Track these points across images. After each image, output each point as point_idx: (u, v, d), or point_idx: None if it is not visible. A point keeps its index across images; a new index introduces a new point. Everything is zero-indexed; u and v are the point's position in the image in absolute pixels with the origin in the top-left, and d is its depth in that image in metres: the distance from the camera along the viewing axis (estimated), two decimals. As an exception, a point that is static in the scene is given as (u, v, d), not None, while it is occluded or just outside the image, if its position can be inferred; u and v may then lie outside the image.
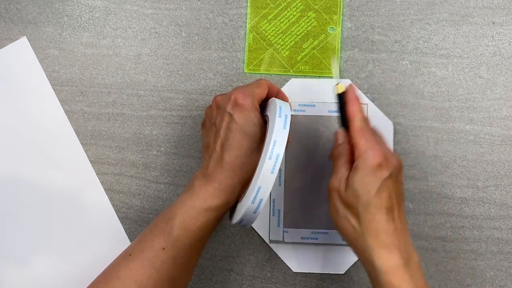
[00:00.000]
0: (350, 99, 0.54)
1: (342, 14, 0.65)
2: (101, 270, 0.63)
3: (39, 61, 0.66)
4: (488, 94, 0.64)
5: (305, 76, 0.65)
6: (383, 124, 0.63)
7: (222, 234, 0.65)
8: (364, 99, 0.64)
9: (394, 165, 0.51)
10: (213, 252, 0.65)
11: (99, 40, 0.66)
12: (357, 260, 0.63)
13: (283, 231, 0.63)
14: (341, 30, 0.65)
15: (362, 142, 0.52)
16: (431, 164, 0.64)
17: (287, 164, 0.63)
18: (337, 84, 0.55)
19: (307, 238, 0.63)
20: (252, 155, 0.54)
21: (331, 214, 0.54)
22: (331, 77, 0.64)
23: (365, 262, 0.51)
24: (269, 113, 0.56)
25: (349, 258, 0.63)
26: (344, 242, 0.63)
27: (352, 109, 0.54)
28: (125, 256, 0.55)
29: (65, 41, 0.66)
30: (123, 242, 0.65)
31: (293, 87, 0.64)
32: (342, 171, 0.53)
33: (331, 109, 0.63)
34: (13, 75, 0.66)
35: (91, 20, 0.66)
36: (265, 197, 0.52)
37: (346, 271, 0.63)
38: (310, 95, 0.64)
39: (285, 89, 0.64)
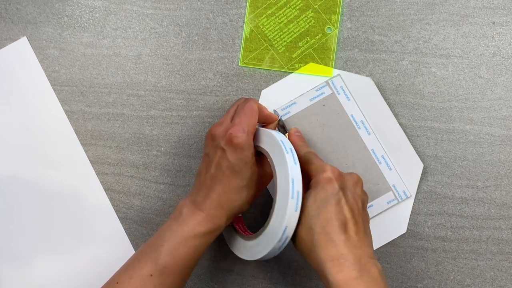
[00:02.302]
0: (293, 141, 0.59)
1: (341, 15, 0.65)
2: (101, 270, 0.63)
3: (39, 61, 0.66)
4: (488, 94, 0.64)
5: (299, 74, 0.65)
6: (364, 83, 0.63)
7: (223, 235, 0.65)
8: (334, 72, 0.64)
9: (346, 179, 0.53)
10: (213, 252, 0.65)
11: (99, 40, 0.66)
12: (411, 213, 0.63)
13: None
14: (339, 31, 0.65)
15: (311, 167, 0.55)
16: (431, 164, 0.64)
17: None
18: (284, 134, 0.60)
19: None
20: (241, 192, 0.56)
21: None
22: (326, 77, 0.64)
23: (320, 275, 0.51)
24: (265, 146, 0.57)
25: (404, 213, 0.63)
26: (392, 204, 0.63)
27: (297, 148, 0.57)
28: (112, 284, 0.55)
29: (65, 41, 0.66)
30: (123, 242, 0.65)
31: (268, 97, 0.65)
32: None
33: (311, 96, 0.64)
34: (13, 75, 0.66)
35: (91, 20, 0.66)
36: (291, 234, 0.53)
37: None
38: (286, 95, 0.64)
39: (261, 102, 0.64)
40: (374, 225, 0.61)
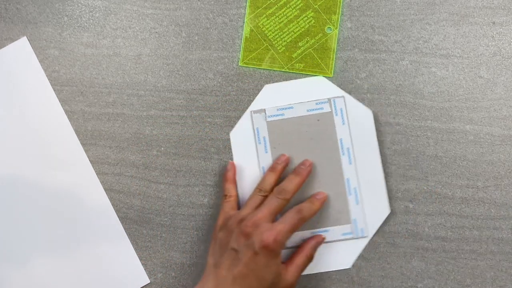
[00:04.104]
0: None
1: (341, 15, 0.65)
2: (101, 270, 0.63)
3: (39, 61, 0.66)
4: (488, 94, 0.64)
5: (299, 74, 0.65)
6: (363, 113, 0.63)
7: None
8: (340, 92, 0.64)
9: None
10: (213, 252, 0.65)
11: (99, 40, 0.66)
12: (361, 253, 0.63)
13: None
14: (339, 31, 0.65)
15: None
16: (431, 164, 0.64)
17: None
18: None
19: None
20: None
21: None
22: (324, 76, 0.64)
23: None
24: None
25: (353, 251, 0.63)
26: (346, 237, 0.63)
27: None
28: None
29: (65, 41, 0.66)
30: (123, 242, 0.65)
31: (269, 93, 0.65)
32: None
33: (309, 108, 0.64)
34: (13, 75, 0.66)
35: (91, 20, 0.66)
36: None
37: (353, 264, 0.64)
38: (287, 98, 0.64)
39: (261, 96, 0.65)
40: (322, 250, 0.63)
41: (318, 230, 0.63)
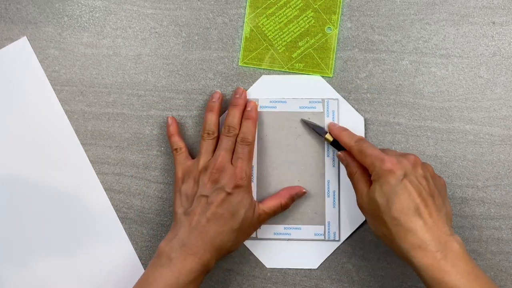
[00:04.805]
0: (338, 135, 0.60)
1: (341, 15, 0.65)
2: (101, 270, 0.63)
3: (39, 61, 0.66)
4: (488, 94, 0.64)
5: (299, 74, 0.65)
6: (355, 119, 0.64)
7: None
8: (335, 94, 0.64)
9: (405, 164, 0.53)
10: (213, 252, 0.65)
11: (99, 40, 0.66)
12: (329, 256, 0.63)
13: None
14: (339, 31, 0.65)
15: (367, 159, 0.55)
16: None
17: (259, 160, 0.64)
18: (325, 136, 0.62)
19: (280, 234, 0.63)
20: (232, 234, 0.57)
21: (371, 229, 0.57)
22: (322, 76, 0.64)
23: (409, 264, 0.52)
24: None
25: (322, 253, 0.63)
26: (318, 238, 0.63)
27: (345, 140, 0.59)
28: None
29: (65, 41, 0.66)
30: (123, 242, 0.65)
31: (264, 83, 0.65)
32: (360, 187, 0.56)
33: (302, 105, 0.64)
34: (13, 75, 0.66)
35: (91, 20, 0.66)
36: None
37: (319, 265, 0.64)
38: (281, 91, 0.64)
39: (256, 86, 0.65)
40: (292, 247, 0.63)
41: (291, 226, 0.63)
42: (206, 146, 0.61)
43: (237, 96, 0.63)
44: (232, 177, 0.58)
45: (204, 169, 0.59)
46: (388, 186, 0.52)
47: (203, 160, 0.60)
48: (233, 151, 0.60)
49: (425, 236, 0.51)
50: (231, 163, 0.59)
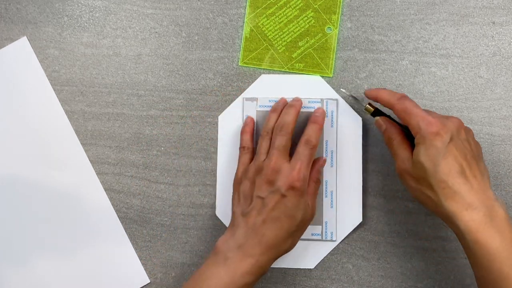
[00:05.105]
0: (377, 95, 0.58)
1: (341, 15, 0.65)
2: (101, 270, 0.63)
3: (39, 61, 0.66)
4: (488, 94, 0.64)
5: (299, 74, 0.65)
6: (353, 120, 0.63)
7: (222, 234, 0.65)
8: (334, 95, 0.64)
9: (451, 127, 0.53)
10: (213, 252, 0.65)
11: (99, 40, 0.66)
12: (329, 256, 0.63)
13: None
14: (339, 31, 0.65)
15: (413, 120, 0.54)
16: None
17: None
18: (365, 108, 0.60)
19: None
20: (289, 237, 0.57)
21: (410, 194, 0.56)
22: (320, 76, 0.64)
23: (451, 227, 0.52)
24: None
25: (319, 253, 0.63)
26: (315, 237, 0.63)
27: (386, 98, 0.57)
28: None
29: (65, 41, 0.66)
30: (123, 242, 0.65)
31: (264, 83, 0.65)
32: (400, 152, 0.56)
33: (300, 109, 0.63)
34: (13, 75, 0.66)
35: (91, 20, 0.66)
36: None
37: (317, 265, 0.64)
38: (281, 90, 0.64)
39: (255, 85, 0.65)
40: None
41: None
42: (264, 144, 0.60)
43: (294, 101, 0.62)
44: (288, 178, 0.56)
45: (260, 170, 0.58)
46: (435, 149, 0.52)
47: (259, 159, 0.59)
48: (287, 151, 0.59)
49: (472, 199, 0.51)
50: (288, 163, 0.57)
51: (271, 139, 0.60)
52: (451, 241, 0.63)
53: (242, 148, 0.62)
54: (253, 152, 0.62)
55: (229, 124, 0.65)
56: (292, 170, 0.56)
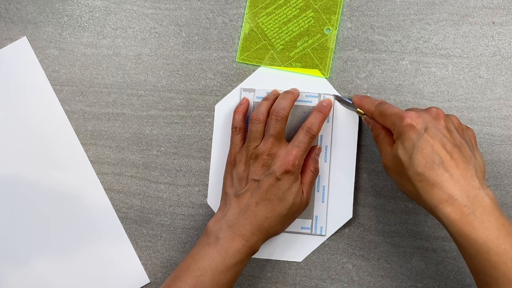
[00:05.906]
0: (360, 104, 0.60)
1: (341, 15, 0.65)
2: (101, 270, 0.63)
3: (39, 61, 0.66)
4: (488, 94, 0.64)
5: (301, 74, 0.65)
6: (350, 116, 0.64)
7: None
8: (332, 90, 0.64)
9: (426, 118, 0.52)
10: (213, 252, 0.65)
11: (99, 40, 0.66)
12: (315, 250, 0.63)
13: None
14: (339, 31, 0.65)
15: (388, 120, 0.55)
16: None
17: None
18: (357, 111, 0.61)
19: None
20: (280, 219, 0.58)
21: (398, 188, 0.57)
22: (318, 76, 0.64)
23: (437, 219, 0.51)
24: None
25: (307, 246, 0.64)
26: (304, 231, 0.63)
27: (366, 107, 0.59)
28: None
29: (65, 41, 0.66)
30: (123, 242, 0.65)
31: (261, 75, 0.65)
32: (384, 147, 0.56)
33: (298, 98, 0.63)
34: (13, 75, 0.66)
35: (91, 20, 0.66)
36: None
37: (304, 259, 0.64)
38: (278, 84, 0.64)
39: (253, 77, 0.65)
40: (278, 239, 0.63)
41: None
42: (255, 131, 0.60)
43: (292, 89, 0.63)
44: (283, 162, 0.57)
45: (256, 155, 0.58)
46: (410, 141, 0.51)
47: (252, 145, 0.59)
48: (283, 136, 0.59)
49: (452, 190, 0.49)
50: (285, 148, 0.58)
51: (261, 124, 0.60)
52: (451, 241, 0.63)
53: (234, 128, 0.62)
54: (245, 133, 0.62)
55: (225, 114, 0.65)
56: (289, 155, 0.57)
